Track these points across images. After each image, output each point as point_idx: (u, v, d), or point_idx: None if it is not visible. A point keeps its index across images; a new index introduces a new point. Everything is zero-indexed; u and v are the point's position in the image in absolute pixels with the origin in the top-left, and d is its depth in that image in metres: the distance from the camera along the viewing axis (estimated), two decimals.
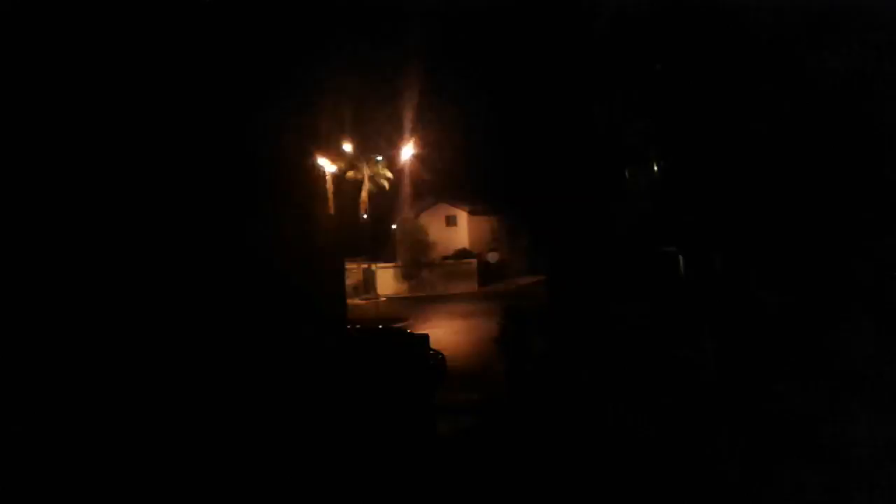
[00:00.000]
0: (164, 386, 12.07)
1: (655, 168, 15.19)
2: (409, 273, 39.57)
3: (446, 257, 41.12)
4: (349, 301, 27.04)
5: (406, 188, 39.37)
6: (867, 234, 11.77)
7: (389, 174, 38.78)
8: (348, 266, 30.55)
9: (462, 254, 41.26)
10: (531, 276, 37.47)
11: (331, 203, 31.66)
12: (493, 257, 41.07)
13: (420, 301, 34.57)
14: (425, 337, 15.50)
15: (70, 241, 12.20)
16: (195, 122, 14.88)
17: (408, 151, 37.66)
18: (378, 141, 36.66)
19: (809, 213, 12.17)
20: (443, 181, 39.39)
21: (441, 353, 15.79)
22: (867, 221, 11.84)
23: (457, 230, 43.46)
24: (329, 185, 32.51)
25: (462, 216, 43.58)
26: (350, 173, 36.68)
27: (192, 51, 14.89)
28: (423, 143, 37.19)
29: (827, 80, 11.90)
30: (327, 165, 31.91)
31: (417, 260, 39.88)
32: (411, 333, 16.13)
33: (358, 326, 20.00)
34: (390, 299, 36.30)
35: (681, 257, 14.73)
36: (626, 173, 16.09)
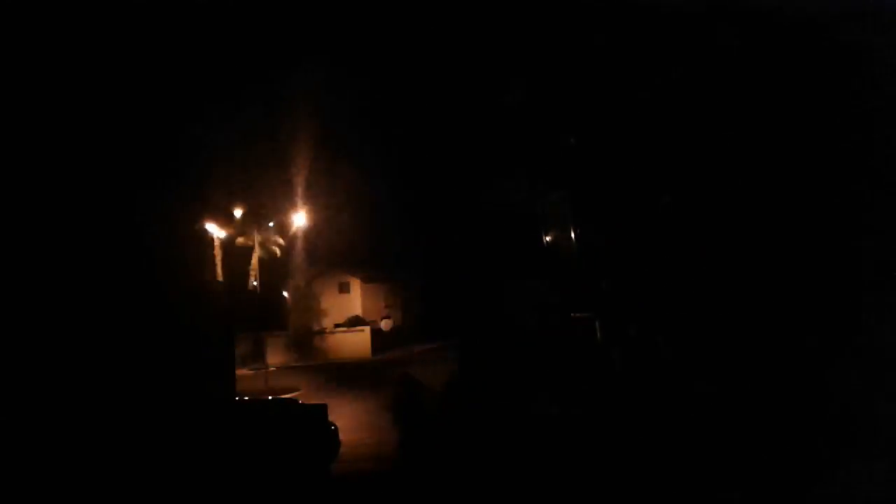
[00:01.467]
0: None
1: (572, 236, 15.70)
2: (300, 341, 38.59)
3: (339, 325, 40.47)
4: (238, 371, 25.96)
5: (298, 255, 38.72)
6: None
7: (281, 241, 38.07)
8: (237, 335, 29.46)
9: (355, 321, 40.73)
10: (427, 344, 37.35)
11: (219, 270, 30.69)
12: (386, 325, 40.80)
13: (312, 370, 33.73)
14: (323, 407, 15.09)
15: None
16: (65, 180, 14.27)
17: (300, 218, 37.22)
18: (269, 207, 36.08)
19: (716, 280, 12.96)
20: (336, 248, 39.05)
21: (334, 425, 15.36)
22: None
23: (350, 298, 42.96)
24: (217, 252, 31.54)
25: (355, 283, 43.19)
26: (240, 240, 35.71)
27: (73, 110, 14.40)
28: (316, 210, 36.91)
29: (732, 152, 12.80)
30: (216, 231, 31.01)
31: (309, 328, 39.05)
32: (307, 404, 15.66)
33: (246, 398, 19.22)
34: (280, 369, 35.15)
35: (597, 323, 15.17)
36: (545, 240, 16.54)
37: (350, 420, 18.93)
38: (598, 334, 15.41)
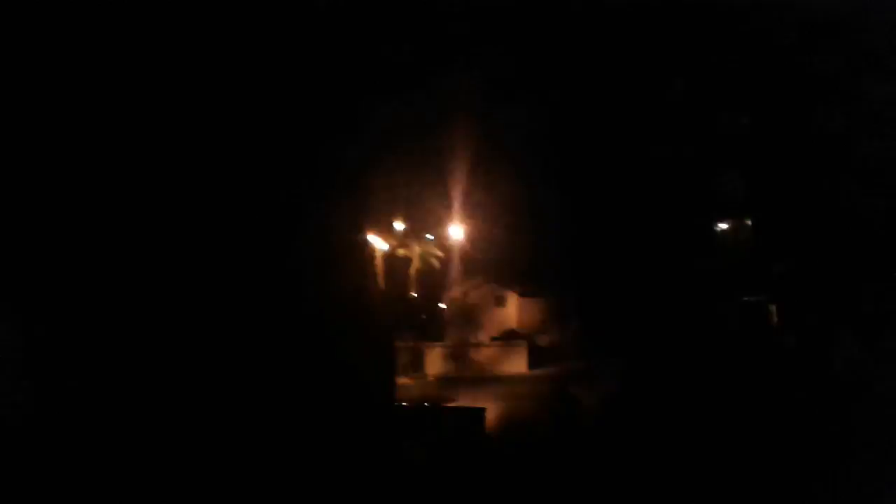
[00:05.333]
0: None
1: (748, 222, 14.89)
2: (457, 353, 39.05)
3: (495, 338, 40.57)
4: (398, 380, 26.60)
5: (456, 267, 39.32)
6: None
7: (440, 252, 38.87)
8: (396, 344, 30.23)
9: (511, 335, 40.66)
10: (584, 360, 36.54)
11: (381, 280, 31.71)
12: (543, 340, 40.42)
13: (468, 382, 33.91)
14: (480, 412, 15.13)
15: None
16: (247, 197, 15.08)
17: (458, 230, 37.83)
18: (428, 219, 36.91)
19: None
20: (493, 261, 39.27)
21: (489, 432, 15.33)
22: None
23: (506, 311, 42.98)
24: (379, 263, 32.60)
25: (511, 297, 43.18)
26: (401, 251, 36.78)
27: (244, 126, 15.23)
28: (474, 223, 37.33)
29: None
30: (378, 243, 32.10)
31: (465, 340, 39.45)
32: (465, 408, 15.75)
33: (405, 404, 19.61)
34: (438, 379, 35.71)
35: (772, 307, 14.25)
36: (717, 228, 15.79)
37: (507, 435, 18.79)
38: (773, 319, 14.40)
